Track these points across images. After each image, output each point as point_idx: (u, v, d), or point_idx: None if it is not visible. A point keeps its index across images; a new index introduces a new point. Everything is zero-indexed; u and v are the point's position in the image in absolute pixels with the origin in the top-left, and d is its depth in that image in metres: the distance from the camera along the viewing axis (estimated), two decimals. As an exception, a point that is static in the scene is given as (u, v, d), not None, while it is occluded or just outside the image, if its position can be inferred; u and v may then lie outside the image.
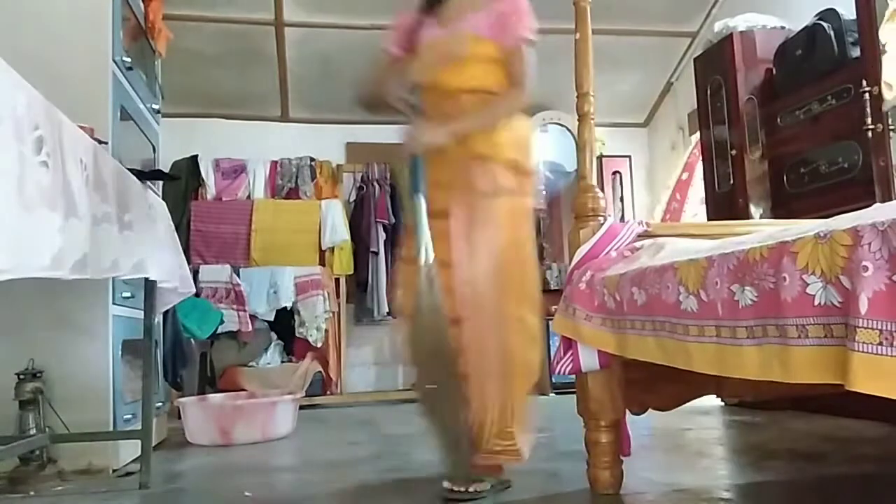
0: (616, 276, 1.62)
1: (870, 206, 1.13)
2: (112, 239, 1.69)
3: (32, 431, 2.21)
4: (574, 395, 1.94)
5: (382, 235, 4.83)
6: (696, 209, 4.68)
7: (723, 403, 3.54)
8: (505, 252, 1.88)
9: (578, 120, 2.01)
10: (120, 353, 2.46)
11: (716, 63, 3.66)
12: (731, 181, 3.54)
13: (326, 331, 4.51)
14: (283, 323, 4.48)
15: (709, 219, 3.82)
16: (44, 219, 1.32)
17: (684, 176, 4.81)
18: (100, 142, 2.21)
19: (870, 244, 0.90)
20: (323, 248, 4.69)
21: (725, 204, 3.56)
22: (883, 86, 2.57)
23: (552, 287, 5.03)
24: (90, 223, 1.56)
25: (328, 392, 4.51)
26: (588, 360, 1.78)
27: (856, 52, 2.96)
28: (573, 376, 1.88)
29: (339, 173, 5.05)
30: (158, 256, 2.13)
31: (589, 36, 2.01)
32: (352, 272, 4.78)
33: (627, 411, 1.88)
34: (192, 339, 3.89)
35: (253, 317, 4.34)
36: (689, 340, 1.30)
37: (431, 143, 1.90)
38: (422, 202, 1.90)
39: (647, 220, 2.06)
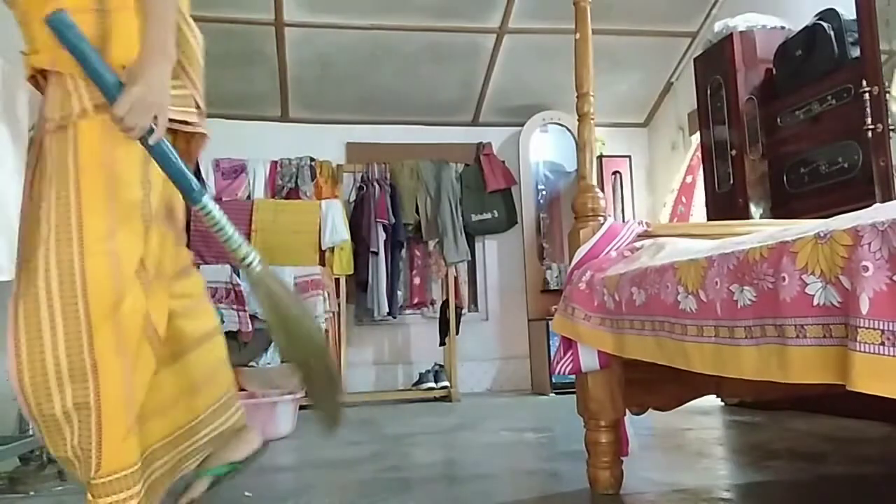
0: (616, 276, 1.62)
1: (870, 206, 1.13)
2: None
3: (32, 431, 2.21)
4: (574, 395, 1.94)
5: (382, 235, 4.84)
6: (697, 210, 4.68)
7: (723, 403, 3.54)
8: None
9: (578, 120, 2.01)
10: (120, 353, 2.45)
11: (716, 63, 3.66)
12: (731, 181, 3.54)
13: (326, 331, 4.50)
14: (284, 323, 4.48)
15: (709, 219, 3.81)
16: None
17: (688, 179, 4.80)
18: (100, 142, 2.21)
19: (870, 244, 0.89)
20: (323, 248, 4.69)
21: (725, 204, 3.56)
22: (892, 95, 2.60)
23: (552, 287, 5.06)
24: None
25: (328, 392, 4.51)
26: (588, 360, 1.78)
27: (856, 52, 2.96)
28: (573, 376, 1.88)
29: (339, 173, 5.05)
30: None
31: (589, 36, 2.02)
32: (352, 272, 4.78)
33: (627, 411, 1.88)
34: (192, 339, 3.89)
35: (253, 317, 4.33)
36: (688, 340, 1.30)
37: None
38: (210, 203, 1.42)
39: (647, 221, 2.06)
